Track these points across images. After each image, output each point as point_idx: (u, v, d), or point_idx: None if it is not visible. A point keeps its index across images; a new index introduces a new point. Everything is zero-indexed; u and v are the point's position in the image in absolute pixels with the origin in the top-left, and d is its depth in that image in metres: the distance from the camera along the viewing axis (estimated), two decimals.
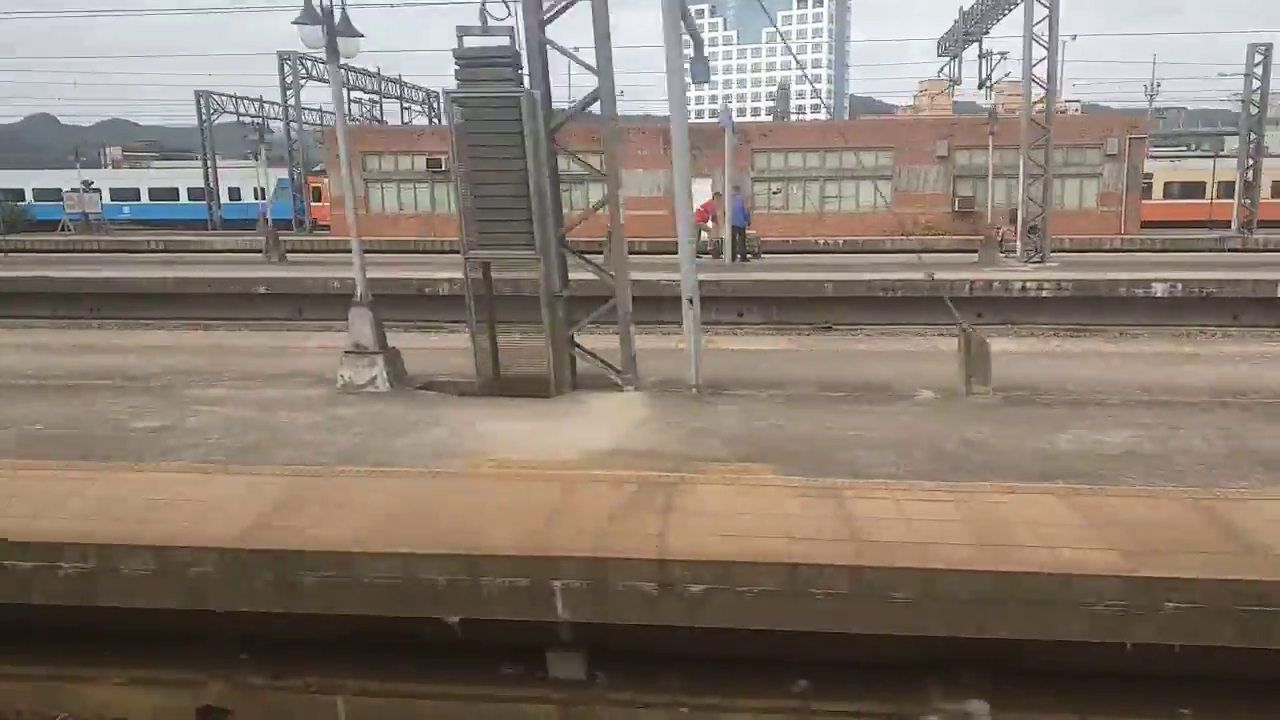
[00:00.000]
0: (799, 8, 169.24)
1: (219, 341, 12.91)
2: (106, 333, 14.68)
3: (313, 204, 50.30)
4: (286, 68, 35.65)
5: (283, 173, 52.89)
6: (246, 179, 51.67)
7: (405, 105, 45.15)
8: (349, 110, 44.20)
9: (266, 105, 54.71)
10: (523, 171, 8.08)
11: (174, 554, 5.16)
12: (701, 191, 34.92)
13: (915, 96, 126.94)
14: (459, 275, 19.87)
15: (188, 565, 5.15)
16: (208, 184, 49.08)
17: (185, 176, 52.73)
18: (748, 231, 23.56)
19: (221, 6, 49.59)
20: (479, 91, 8.00)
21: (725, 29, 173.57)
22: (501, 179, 8.14)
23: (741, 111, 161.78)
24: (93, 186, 42.58)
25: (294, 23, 8.04)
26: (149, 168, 61.95)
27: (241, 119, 53.36)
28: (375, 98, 42.90)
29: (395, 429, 7.39)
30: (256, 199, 51.10)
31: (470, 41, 8.08)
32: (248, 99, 52.92)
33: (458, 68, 8.12)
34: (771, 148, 33.42)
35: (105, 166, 63.63)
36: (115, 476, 6.25)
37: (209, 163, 49.09)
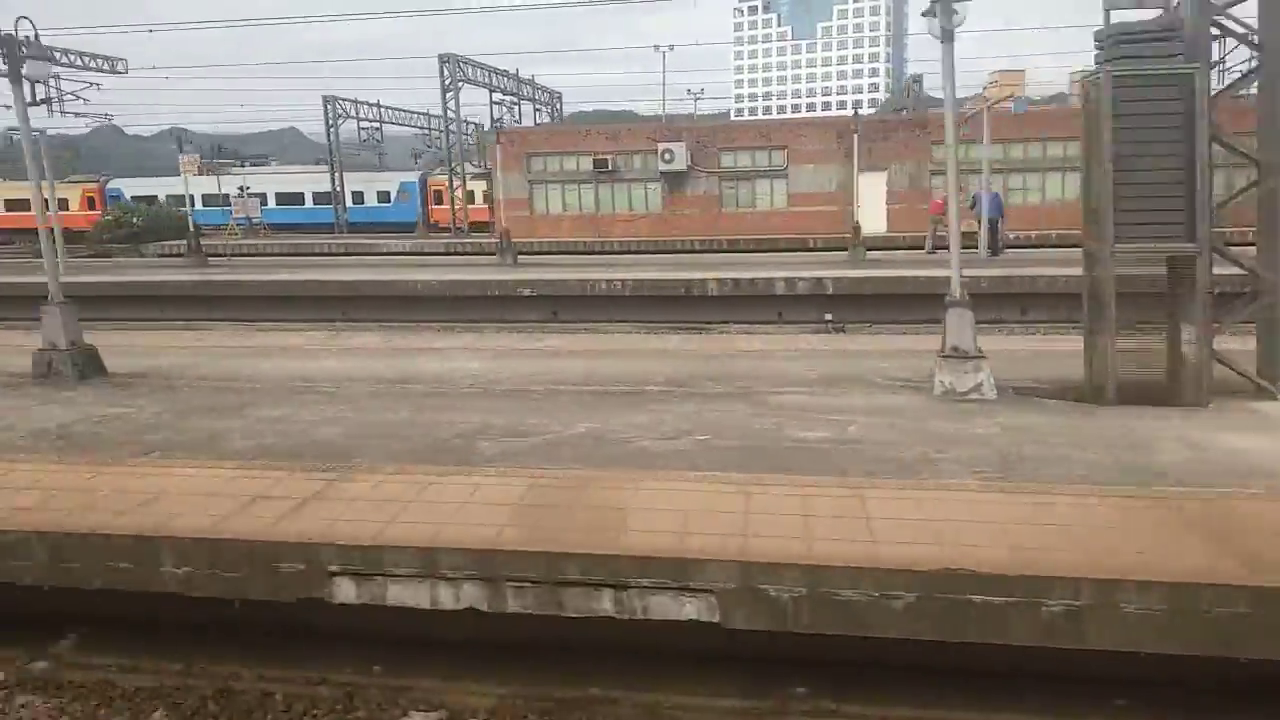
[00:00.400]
0: (855, 1, 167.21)
1: (597, 346, 12.35)
2: (449, 336, 14.21)
3: (434, 207, 50.52)
4: (446, 70, 35.41)
5: (405, 176, 53.16)
6: (369, 183, 51.91)
7: (537, 107, 44.88)
8: (490, 113, 44.05)
9: (384, 110, 55.08)
10: (1181, 156, 7.36)
11: (1197, 592, 4.53)
12: (876, 187, 34.23)
13: (985, 88, 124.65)
14: (732, 276, 19.60)
15: (1213, 604, 4.51)
16: (334, 188, 49.24)
17: (309, 181, 52.98)
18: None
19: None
20: (1142, 69, 7.31)
21: (779, 25, 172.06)
22: (1157, 164, 7.44)
23: (797, 108, 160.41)
24: (251, 191, 42.88)
25: (924, 14, 7.46)
26: (227, 174, 62.52)
27: (361, 123, 53.72)
28: (514, 99, 42.64)
29: (1129, 444, 6.66)
30: (379, 203, 51.36)
31: (1118, 15, 7.40)
32: (366, 103, 53.29)
33: (1103, 46, 7.45)
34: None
35: (177, 174, 63.79)
36: (950, 495, 5.63)
37: (335, 167, 49.29)
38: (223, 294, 18.82)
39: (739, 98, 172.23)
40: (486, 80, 39.89)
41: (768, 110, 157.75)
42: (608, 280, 19.68)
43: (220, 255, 25.05)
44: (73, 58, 32.30)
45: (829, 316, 18.96)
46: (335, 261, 28.97)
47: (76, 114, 30.57)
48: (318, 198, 51.33)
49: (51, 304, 9.49)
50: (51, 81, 30.84)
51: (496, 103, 41.54)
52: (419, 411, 8.07)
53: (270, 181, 53.95)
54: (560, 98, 48.32)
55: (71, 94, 31.33)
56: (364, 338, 13.03)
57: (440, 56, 35.45)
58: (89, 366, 9.51)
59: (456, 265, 24.83)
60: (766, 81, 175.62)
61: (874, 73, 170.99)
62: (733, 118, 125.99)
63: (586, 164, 34.09)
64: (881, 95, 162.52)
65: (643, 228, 33.95)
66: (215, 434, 7.47)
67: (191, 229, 26.31)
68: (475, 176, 40.51)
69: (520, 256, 28.63)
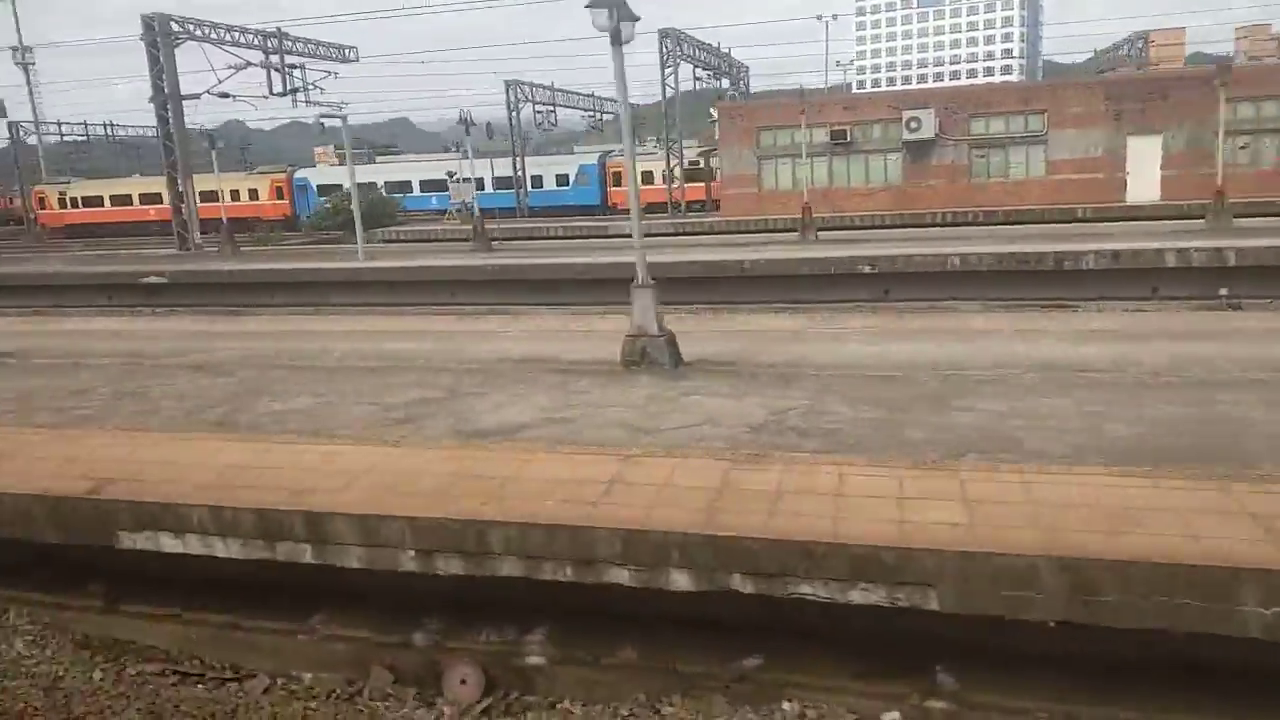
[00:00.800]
0: None
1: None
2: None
3: (612, 189, 49.94)
4: (666, 44, 34.31)
5: (584, 159, 52.82)
6: (548, 167, 51.78)
7: (734, 81, 43.41)
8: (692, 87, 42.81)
9: (556, 93, 54.86)
10: None
11: None
12: (1149, 152, 31.42)
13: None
14: (1109, 247, 17.89)
15: None
16: (516, 173, 49.19)
17: (486, 166, 53.16)
18: None
19: None
20: None
21: None
22: None
23: (923, 78, 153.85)
24: (458, 178, 43.13)
25: None
26: (368, 163, 63.40)
27: (537, 107, 53.61)
28: (711, 73, 41.30)
29: None
30: (558, 186, 51.16)
31: None
32: (544, 87, 53.15)
33: None
34: (1244, 96, 29.35)
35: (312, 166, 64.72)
36: None
37: (518, 151, 49.21)
38: (577, 277, 18.50)
39: (861, 69, 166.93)
40: (692, 55, 38.63)
41: (891, 81, 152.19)
42: (961, 254, 18.18)
43: (498, 239, 24.80)
44: (313, 47, 32.80)
45: (1224, 291, 17.00)
46: (582, 245, 28.33)
47: (315, 103, 30.97)
48: (497, 182, 51.51)
49: (642, 287, 8.68)
50: (297, 71, 31.36)
51: (697, 78, 40.27)
52: (1145, 406, 6.79)
53: (422, 170, 54.55)
54: (748, 71, 46.70)
55: (313, 84, 31.79)
56: (846, 319, 11.95)
57: (660, 31, 34.37)
58: (674, 352, 8.67)
59: (750, 244, 23.69)
60: (890, 51, 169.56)
61: (1007, 38, 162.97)
62: (855, 90, 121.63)
63: (820, 136, 32.44)
64: (1016, 62, 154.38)
65: (881, 201, 32.15)
66: (987, 430, 6.38)
67: (477, 214, 26.09)
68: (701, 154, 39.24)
69: (765, 234, 27.41)
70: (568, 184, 50.70)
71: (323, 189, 52.22)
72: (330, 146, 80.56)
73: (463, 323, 13.19)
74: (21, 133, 62.88)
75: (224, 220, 26.69)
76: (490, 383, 8.53)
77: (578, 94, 57.53)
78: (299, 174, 56.06)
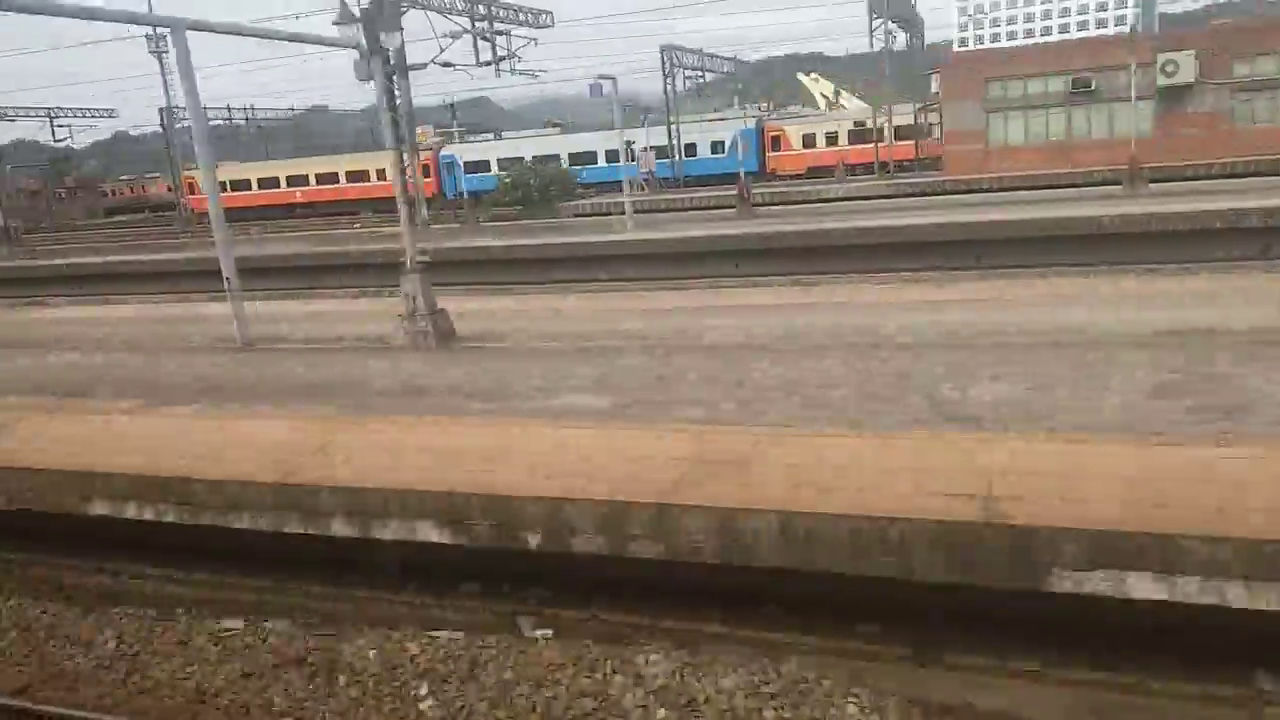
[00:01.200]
0: None
1: None
2: None
3: (771, 154, 47.89)
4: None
5: (741, 124, 50.79)
6: (704, 134, 49.95)
7: (912, 35, 40.70)
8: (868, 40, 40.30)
9: (705, 57, 52.80)
10: None
11: None
12: None
13: None
14: None
15: None
16: (671, 141, 47.51)
17: (640, 137, 51.51)
18: None
19: None
20: None
21: None
22: None
23: (1029, 33, 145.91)
24: (644, 148, 41.68)
25: None
26: (465, 142, 62.00)
27: (689, 76, 51.79)
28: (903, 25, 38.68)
29: None
30: (713, 154, 49.30)
31: None
32: (691, 51, 51.29)
33: None
34: None
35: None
36: None
37: (673, 120, 47.54)
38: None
39: (963, 25, 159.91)
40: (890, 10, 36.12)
41: (995, 38, 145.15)
42: None
43: (760, 205, 23.17)
44: (512, 13, 31.51)
45: None
46: (809, 210, 26.25)
47: (520, 72, 29.67)
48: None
49: None
50: (500, 40, 30.16)
51: (890, 34, 37.74)
52: None
53: (599, 140, 53.11)
54: (923, 24, 43.93)
55: (513, 53, 30.50)
56: None
57: None
58: None
59: (1043, 201, 21.41)
60: (994, 6, 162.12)
61: None
62: (956, 48, 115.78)
63: (1056, 85, 29.78)
64: (1130, 12, 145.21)
65: (1126, 155, 29.32)
66: None
67: (741, 179, 24.45)
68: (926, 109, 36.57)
69: (1009, 192, 25.20)
70: (723, 150, 48.86)
71: (470, 165, 51.43)
72: (431, 126, 79.66)
73: (946, 291, 11.48)
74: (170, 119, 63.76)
75: (464, 194, 25.66)
76: (1241, 364, 6.73)
77: (723, 57, 55.62)
78: (445, 151, 55.38)
